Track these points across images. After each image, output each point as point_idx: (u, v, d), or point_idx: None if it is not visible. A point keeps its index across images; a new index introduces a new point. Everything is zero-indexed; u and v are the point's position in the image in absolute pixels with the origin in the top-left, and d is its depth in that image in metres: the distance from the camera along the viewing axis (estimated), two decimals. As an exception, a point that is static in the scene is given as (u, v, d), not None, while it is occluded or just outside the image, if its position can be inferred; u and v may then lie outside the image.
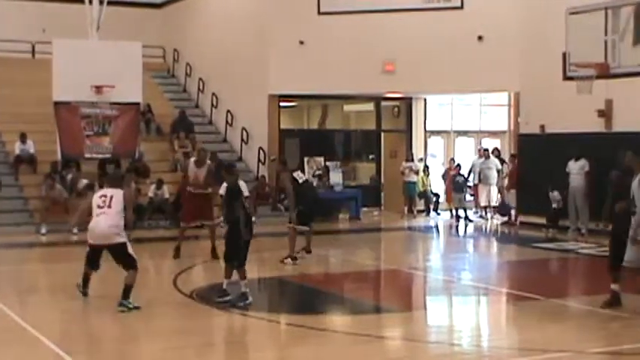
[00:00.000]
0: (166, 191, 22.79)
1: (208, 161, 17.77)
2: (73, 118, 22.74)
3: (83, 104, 22.71)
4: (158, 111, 27.17)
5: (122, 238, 12.19)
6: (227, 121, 27.47)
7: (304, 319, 11.69)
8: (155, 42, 29.81)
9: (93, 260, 12.55)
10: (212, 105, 28.33)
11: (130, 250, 12.22)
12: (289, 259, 16.37)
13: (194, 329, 11.34)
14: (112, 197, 12.18)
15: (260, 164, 25.59)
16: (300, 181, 16.84)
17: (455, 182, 25.03)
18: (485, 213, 25.19)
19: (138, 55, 23.45)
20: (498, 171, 24.80)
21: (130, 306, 11.95)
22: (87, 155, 22.98)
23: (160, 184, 22.83)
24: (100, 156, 23.10)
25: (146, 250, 19.80)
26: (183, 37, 30.45)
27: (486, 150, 25.21)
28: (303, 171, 23.64)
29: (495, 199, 25.38)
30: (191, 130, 26.13)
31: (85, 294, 12.71)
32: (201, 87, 29.08)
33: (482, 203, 25.01)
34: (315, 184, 22.25)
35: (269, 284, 15.39)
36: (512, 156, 24.41)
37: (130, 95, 23.02)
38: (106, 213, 12.09)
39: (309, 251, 16.98)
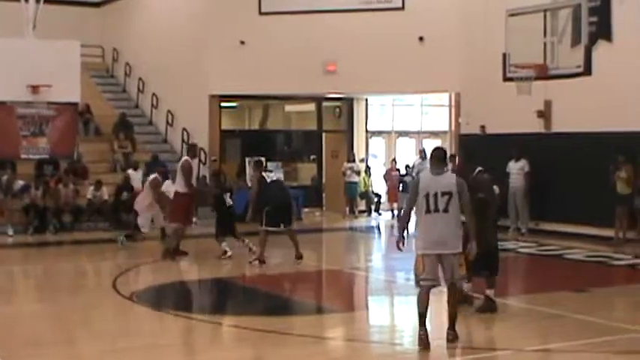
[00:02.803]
0: (105, 192, 22.42)
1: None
2: (8, 118, 22.42)
3: (19, 104, 22.39)
4: (97, 111, 26.86)
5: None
6: (167, 122, 27.24)
7: (246, 320, 11.60)
8: (94, 41, 29.40)
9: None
10: (152, 105, 28.07)
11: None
12: (257, 262, 16.03)
13: (134, 331, 11.21)
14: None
15: (201, 164, 25.39)
16: (269, 180, 16.39)
17: (403, 182, 25.02)
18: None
19: (76, 55, 23.10)
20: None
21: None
22: (23, 156, 22.69)
23: (98, 185, 22.46)
24: (37, 157, 22.79)
25: (84, 252, 19.58)
26: (123, 36, 30.12)
27: (423, 151, 25.28)
28: (244, 172, 23.58)
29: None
30: (131, 131, 25.91)
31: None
32: (140, 87, 28.79)
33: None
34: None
35: (210, 285, 15.27)
36: (452, 156, 24.47)
37: (67, 95, 22.67)
38: None
39: (299, 256, 16.33)
